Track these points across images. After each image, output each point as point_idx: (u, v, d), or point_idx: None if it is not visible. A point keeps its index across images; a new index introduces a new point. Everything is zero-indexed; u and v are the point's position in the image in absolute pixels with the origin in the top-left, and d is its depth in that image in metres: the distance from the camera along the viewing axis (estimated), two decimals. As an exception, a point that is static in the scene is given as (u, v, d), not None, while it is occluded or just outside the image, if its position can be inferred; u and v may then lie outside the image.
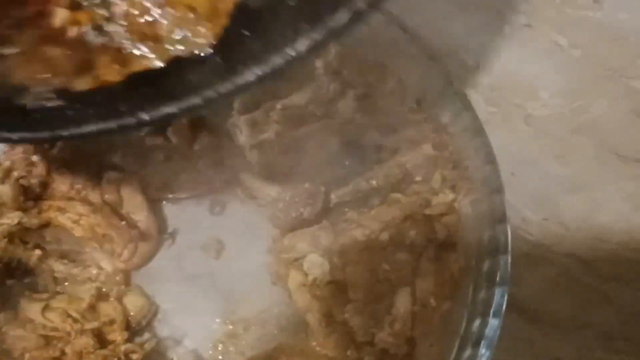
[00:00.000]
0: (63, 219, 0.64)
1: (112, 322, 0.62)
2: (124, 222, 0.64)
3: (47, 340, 0.61)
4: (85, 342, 0.60)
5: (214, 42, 0.47)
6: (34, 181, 0.64)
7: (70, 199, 0.65)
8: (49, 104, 0.46)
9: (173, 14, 0.48)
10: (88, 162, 0.67)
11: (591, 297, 0.65)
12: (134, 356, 0.60)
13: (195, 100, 0.43)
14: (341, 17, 0.41)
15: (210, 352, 0.64)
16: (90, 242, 0.64)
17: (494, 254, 0.59)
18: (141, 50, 0.48)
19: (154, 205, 0.67)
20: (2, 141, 0.50)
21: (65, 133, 0.45)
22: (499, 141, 0.67)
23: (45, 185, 0.65)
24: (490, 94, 0.70)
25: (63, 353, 0.60)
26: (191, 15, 0.48)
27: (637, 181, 0.68)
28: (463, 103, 0.62)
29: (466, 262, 0.60)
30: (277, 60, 0.42)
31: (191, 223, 0.68)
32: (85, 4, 0.49)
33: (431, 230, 0.61)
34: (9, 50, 0.47)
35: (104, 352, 0.60)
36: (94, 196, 0.65)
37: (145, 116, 0.43)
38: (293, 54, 0.42)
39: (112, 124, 0.44)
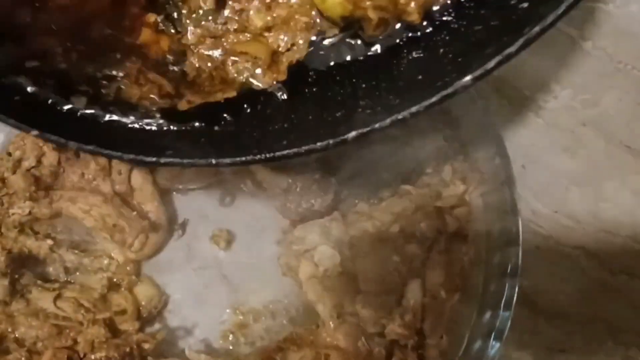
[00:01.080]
0: (74, 209, 0.64)
1: (123, 312, 0.63)
2: (134, 213, 0.64)
3: (59, 330, 0.61)
4: (97, 331, 0.60)
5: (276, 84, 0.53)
6: (45, 171, 0.64)
7: (81, 189, 0.65)
8: (152, 122, 0.52)
9: (236, 60, 0.54)
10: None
11: (600, 289, 0.65)
12: (146, 346, 0.61)
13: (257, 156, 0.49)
14: (385, 122, 0.46)
15: (221, 342, 0.64)
16: (101, 232, 0.64)
17: (505, 246, 0.59)
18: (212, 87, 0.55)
19: (164, 196, 0.67)
20: (86, 151, 0.56)
21: (148, 159, 0.50)
22: (509, 133, 0.67)
23: (56, 175, 0.65)
24: (501, 86, 0.69)
25: (75, 342, 0.60)
26: (251, 64, 0.54)
27: (647, 174, 0.68)
28: (474, 95, 0.62)
29: (477, 254, 0.60)
30: (316, 142, 0.47)
31: (201, 214, 0.68)
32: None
33: (442, 222, 0.61)
34: (115, 72, 0.53)
35: (116, 341, 0.60)
36: (105, 186, 0.65)
37: (213, 161, 0.49)
38: (330, 142, 0.47)
39: (187, 161, 0.50)
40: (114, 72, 0.53)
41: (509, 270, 0.58)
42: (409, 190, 0.63)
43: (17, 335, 0.61)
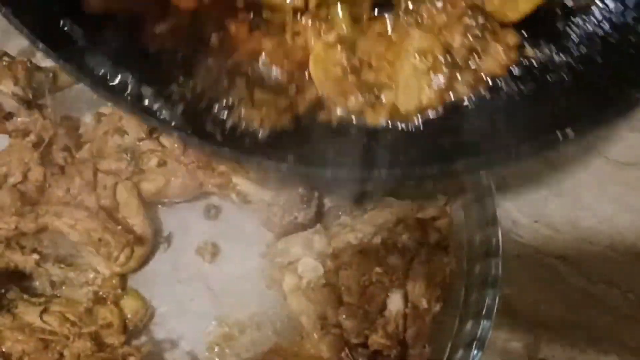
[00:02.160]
0: (59, 224, 0.64)
1: (109, 325, 0.63)
2: (119, 227, 0.65)
3: (46, 344, 0.61)
4: (83, 345, 0.60)
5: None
6: (30, 186, 0.65)
7: (67, 203, 0.65)
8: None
9: None
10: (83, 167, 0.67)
11: (580, 298, 0.66)
12: (131, 359, 0.61)
13: None
14: None
15: (206, 354, 0.65)
16: (87, 246, 0.65)
17: (486, 256, 0.60)
18: None
19: (149, 210, 0.68)
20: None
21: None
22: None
23: (41, 190, 0.65)
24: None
25: (61, 356, 0.61)
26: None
27: (624, 184, 0.69)
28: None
29: (458, 265, 0.61)
30: None
31: (186, 227, 0.69)
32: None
33: (423, 233, 0.62)
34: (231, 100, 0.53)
35: (102, 355, 0.61)
36: (90, 201, 0.65)
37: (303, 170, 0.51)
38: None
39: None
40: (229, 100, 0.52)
41: (489, 280, 0.59)
42: (391, 203, 0.64)
43: (3, 350, 0.61)
